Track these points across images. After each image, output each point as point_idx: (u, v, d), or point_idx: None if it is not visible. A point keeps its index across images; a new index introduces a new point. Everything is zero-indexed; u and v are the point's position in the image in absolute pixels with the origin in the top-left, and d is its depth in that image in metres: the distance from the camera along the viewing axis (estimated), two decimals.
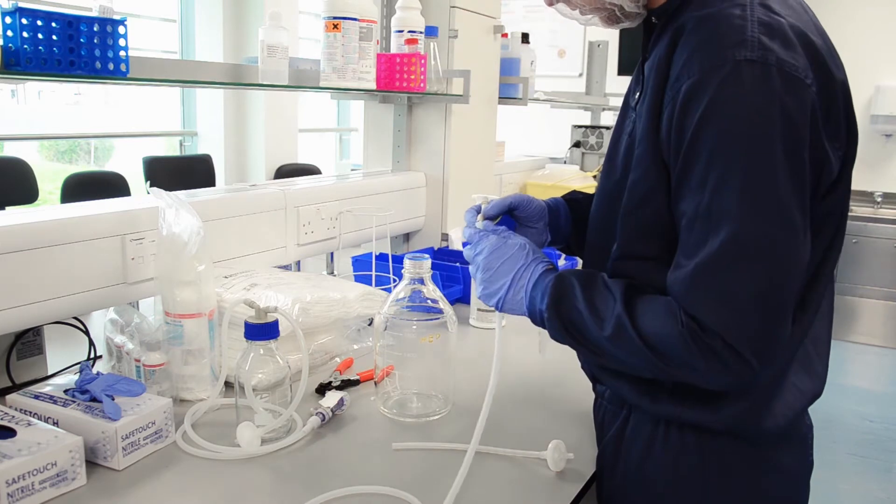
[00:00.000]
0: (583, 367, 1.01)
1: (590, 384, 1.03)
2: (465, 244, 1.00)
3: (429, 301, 1.11)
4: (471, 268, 0.97)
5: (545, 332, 0.91)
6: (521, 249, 0.93)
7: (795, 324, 0.82)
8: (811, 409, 0.91)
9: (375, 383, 1.16)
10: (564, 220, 1.10)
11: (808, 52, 0.77)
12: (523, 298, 0.90)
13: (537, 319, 0.90)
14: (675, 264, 0.80)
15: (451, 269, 1.74)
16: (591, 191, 1.07)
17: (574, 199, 1.13)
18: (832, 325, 0.92)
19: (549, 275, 0.89)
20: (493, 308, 0.94)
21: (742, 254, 0.74)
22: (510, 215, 1.07)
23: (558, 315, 0.86)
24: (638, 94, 0.90)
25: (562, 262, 1.78)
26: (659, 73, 0.82)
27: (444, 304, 1.12)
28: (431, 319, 1.10)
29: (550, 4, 0.95)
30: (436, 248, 2.04)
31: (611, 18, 0.92)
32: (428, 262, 1.12)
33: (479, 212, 1.03)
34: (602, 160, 3.08)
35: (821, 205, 0.81)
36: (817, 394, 0.90)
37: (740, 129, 0.74)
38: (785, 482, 0.90)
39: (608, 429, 0.97)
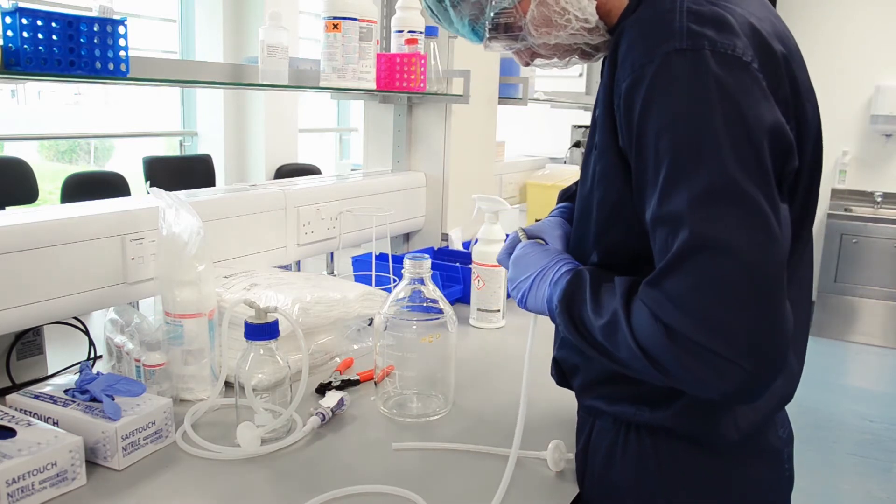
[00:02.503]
0: (552, 374, 0.99)
1: None
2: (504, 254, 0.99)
3: (429, 301, 1.11)
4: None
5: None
6: (549, 250, 0.92)
7: None
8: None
9: (375, 383, 1.16)
10: None
11: (745, 31, 0.74)
12: (544, 295, 0.88)
13: (553, 316, 0.87)
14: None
15: (451, 269, 1.74)
16: None
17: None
18: (810, 319, 0.89)
19: (571, 273, 0.87)
20: (518, 306, 0.93)
21: (701, 252, 0.70)
22: None
23: (569, 310, 0.83)
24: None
25: None
26: (605, 81, 0.81)
27: (444, 304, 1.12)
28: (431, 319, 1.11)
29: (527, 65, 0.95)
30: (436, 248, 2.04)
31: (585, 55, 0.92)
32: (428, 262, 1.12)
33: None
34: None
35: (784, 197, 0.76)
36: (787, 396, 0.86)
37: (678, 122, 0.71)
38: (756, 497, 0.87)
39: (579, 436, 0.96)
